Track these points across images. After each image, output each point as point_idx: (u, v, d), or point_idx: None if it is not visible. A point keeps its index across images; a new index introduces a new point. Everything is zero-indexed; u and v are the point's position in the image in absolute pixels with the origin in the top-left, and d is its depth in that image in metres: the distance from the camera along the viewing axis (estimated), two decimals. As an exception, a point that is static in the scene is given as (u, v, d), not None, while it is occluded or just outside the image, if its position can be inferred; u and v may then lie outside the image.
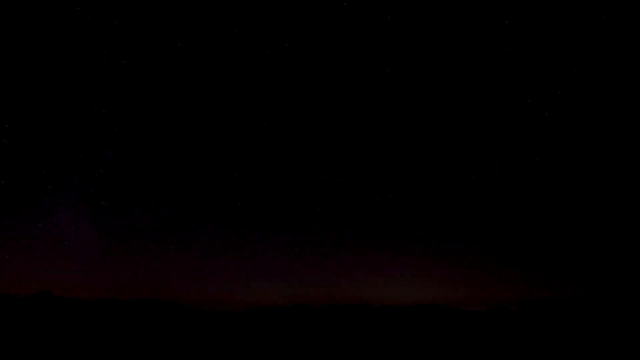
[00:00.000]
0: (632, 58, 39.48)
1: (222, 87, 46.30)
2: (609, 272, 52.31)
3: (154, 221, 51.30)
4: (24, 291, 45.51)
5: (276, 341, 31.73)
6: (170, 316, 44.68)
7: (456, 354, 26.97)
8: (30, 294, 44.57)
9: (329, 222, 54.56)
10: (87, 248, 48.24)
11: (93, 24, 40.38)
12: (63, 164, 45.93)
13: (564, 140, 45.54)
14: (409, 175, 50.24)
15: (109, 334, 32.76)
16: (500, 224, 51.89)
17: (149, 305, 47.06)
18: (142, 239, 52.89)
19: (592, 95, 42.66)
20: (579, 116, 44.08)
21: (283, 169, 50.10)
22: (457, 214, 52.50)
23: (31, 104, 42.83)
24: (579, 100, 42.92)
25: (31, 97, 42.45)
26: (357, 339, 33.26)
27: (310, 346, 29.51)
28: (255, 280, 56.53)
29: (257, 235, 55.74)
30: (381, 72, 44.84)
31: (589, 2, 37.58)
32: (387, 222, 53.73)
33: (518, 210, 52.34)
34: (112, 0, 39.66)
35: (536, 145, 46.19)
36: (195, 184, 51.63)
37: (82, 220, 47.84)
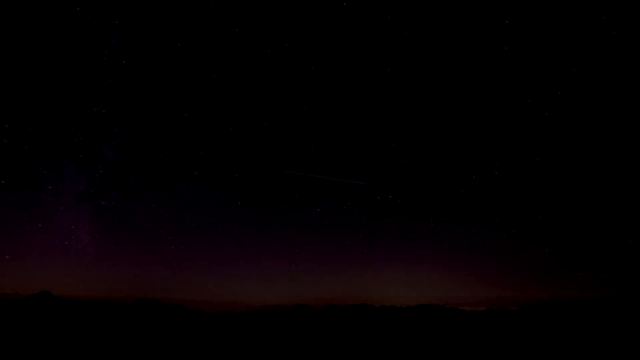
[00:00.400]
0: (632, 58, 39.49)
1: (222, 87, 46.34)
2: (609, 272, 52.35)
3: (154, 221, 51.34)
4: (24, 291, 45.55)
5: (276, 341, 31.72)
6: (170, 316, 44.68)
7: (456, 354, 26.95)
8: (30, 294, 44.63)
9: (329, 222, 54.64)
10: (87, 248, 48.26)
11: (93, 24, 40.42)
12: (63, 164, 45.99)
13: (564, 140, 45.58)
14: (409, 175, 50.27)
15: (109, 334, 32.74)
16: (500, 224, 51.95)
17: (149, 305, 47.06)
18: (142, 239, 52.94)
19: (592, 95, 42.68)
20: (579, 116, 44.11)
21: (283, 169, 50.12)
22: (457, 214, 52.54)
23: (31, 104, 42.87)
24: (579, 100, 42.94)
25: (31, 97, 42.49)
26: (357, 339, 33.25)
27: (310, 346, 29.51)
28: (255, 280, 56.58)
29: (257, 235, 55.78)
30: (381, 72, 44.89)
31: (589, 2, 37.60)
32: (387, 222, 53.80)
33: (518, 210, 52.39)
34: (112, 0, 39.70)
35: (536, 145, 46.23)
36: (195, 184, 51.72)
37: (82, 220, 47.90)
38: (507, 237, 51.34)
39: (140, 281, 52.69)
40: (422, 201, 53.24)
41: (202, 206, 53.66)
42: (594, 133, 44.61)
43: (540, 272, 54.32)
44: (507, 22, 39.44)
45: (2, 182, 43.84)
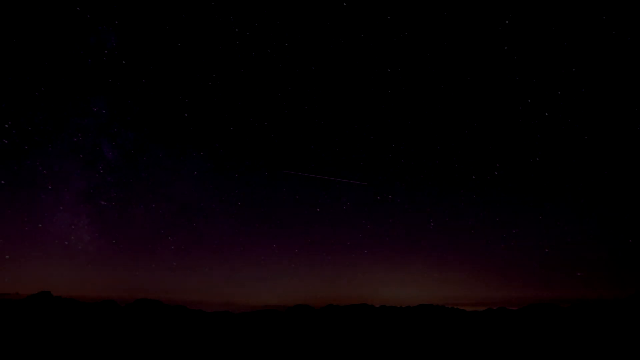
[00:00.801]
0: (632, 58, 39.50)
1: (222, 87, 46.35)
2: (609, 272, 52.39)
3: (154, 221, 51.35)
4: (24, 291, 45.55)
5: (276, 341, 31.71)
6: (170, 316, 44.65)
7: (456, 354, 26.95)
8: (30, 294, 44.60)
9: (329, 222, 54.66)
10: (87, 248, 48.28)
11: (93, 24, 40.44)
12: (63, 164, 46.01)
13: (564, 140, 45.60)
14: (409, 175, 50.30)
15: (109, 334, 32.73)
16: (500, 224, 51.99)
17: (149, 305, 47.02)
18: (142, 239, 52.95)
19: (592, 95, 42.70)
20: (579, 116, 44.13)
21: (283, 169, 50.12)
22: (457, 214, 52.58)
23: (31, 104, 42.88)
24: (579, 100, 42.96)
25: (31, 97, 42.50)
26: (357, 339, 33.24)
27: (310, 346, 29.50)
28: (256, 280, 56.62)
29: (257, 235, 55.80)
30: (381, 72, 44.91)
31: (589, 2, 37.60)
32: (387, 222, 53.82)
33: (518, 210, 52.43)
34: (112, 0, 39.71)
35: (536, 145, 46.25)
36: (195, 184, 51.72)
37: (82, 220, 47.91)
38: (507, 237, 51.41)
39: (140, 281, 52.77)
40: (422, 201, 53.33)
41: (202, 206, 53.73)
42: (594, 133, 44.67)
43: (540, 272, 54.39)
44: (507, 22, 39.48)
45: (2, 182, 43.89)
